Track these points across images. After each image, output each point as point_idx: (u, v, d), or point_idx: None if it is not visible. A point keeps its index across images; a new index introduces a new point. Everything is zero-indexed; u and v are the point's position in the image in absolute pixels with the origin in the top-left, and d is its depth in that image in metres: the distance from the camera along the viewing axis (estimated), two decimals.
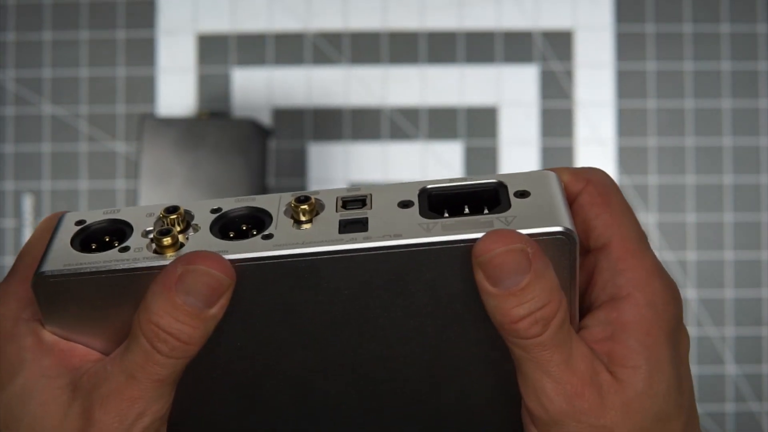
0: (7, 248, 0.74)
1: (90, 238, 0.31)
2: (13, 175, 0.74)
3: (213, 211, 0.31)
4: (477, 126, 0.74)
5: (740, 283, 0.73)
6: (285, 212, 0.31)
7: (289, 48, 0.75)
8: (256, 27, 0.75)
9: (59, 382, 0.31)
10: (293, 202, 0.30)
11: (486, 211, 0.30)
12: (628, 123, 0.74)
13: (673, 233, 0.74)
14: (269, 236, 0.30)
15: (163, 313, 0.29)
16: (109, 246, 0.31)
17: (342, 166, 0.74)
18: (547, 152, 0.74)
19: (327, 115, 0.74)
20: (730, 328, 0.73)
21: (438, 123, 0.74)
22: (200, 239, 0.30)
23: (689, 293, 0.73)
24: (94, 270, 0.30)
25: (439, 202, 0.31)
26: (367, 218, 0.30)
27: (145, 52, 0.75)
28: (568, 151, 0.74)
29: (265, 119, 0.74)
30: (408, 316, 0.31)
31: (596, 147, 0.74)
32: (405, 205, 0.30)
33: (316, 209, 0.30)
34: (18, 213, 0.74)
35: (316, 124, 0.74)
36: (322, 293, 0.30)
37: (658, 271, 0.32)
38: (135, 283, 0.30)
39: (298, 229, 0.30)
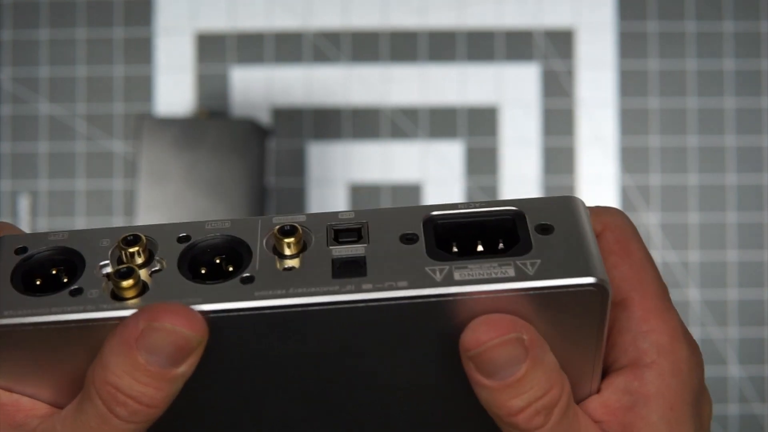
0: None
1: (34, 273, 0.26)
2: (10, 174, 0.74)
3: (180, 239, 0.26)
4: (477, 125, 0.74)
5: (743, 284, 0.73)
6: (266, 244, 0.26)
7: (288, 47, 0.74)
8: (255, 25, 0.75)
9: None
10: (276, 233, 0.26)
11: (502, 245, 0.26)
12: (630, 122, 0.74)
13: (676, 233, 0.73)
14: (249, 279, 0.25)
15: (122, 373, 0.24)
16: (57, 284, 0.26)
17: (342, 165, 0.74)
18: (548, 152, 0.74)
19: (327, 114, 0.74)
20: (734, 328, 0.73)
21: (438, 122, 0.74)
22: (167, 280, 0.25)
23: (692, 294, 0.73)
24: (40, 321, 0.25)
25: (446, 234, 0.26)
26: (364, 258, 0.25)
27: (143, 50, 0.75)
28: (570, 151, 0.74)
29: (265, 118, 0.74)
30: (406, 367, 0.27)
31: (598, 146, 0.74)
32: (408, 239, 0.26)
33: (303, 241, 0.26)
34: (14, 213, 0.74)
35: (316, 124, 0.74)
36: (309, 344, 0.26)
37: (683, 333, 0.29)
38: (90, 333, 0.25)
39: (282, 269, 0.25)
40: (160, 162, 0.69)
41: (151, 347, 0.24)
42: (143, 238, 0.26)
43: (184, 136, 0.69)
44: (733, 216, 0.73)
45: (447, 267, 0.25)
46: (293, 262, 0.25)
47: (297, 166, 0.74)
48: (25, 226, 0.73)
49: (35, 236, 0.27)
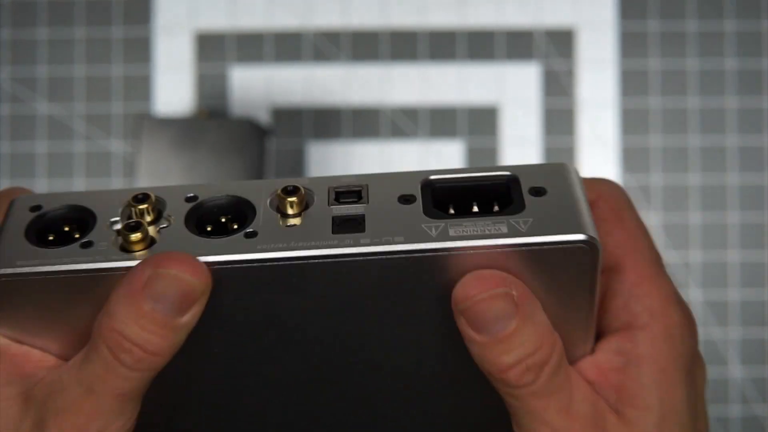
0: None
1: (47, 228, 0.28)
2: (8, 174, 0.74)
3: (188, 199, 0.28)
4: (478, 125, 0.74)
5: (745, 284, 0.73)
6: (270, 204, 0.27)
7: (288, 46, 0.74)
8: (255, 25, 0.75)
9: (10, 391, 0.27)
10: (280, 192, 0.27)
11: (496, 208, 0.27)
12: (631, 122, 0.74)
13: (677, 233, 0.73)
14: (253, 234, 0.26)
15: (128, 321, 0.25)
16: (69, 239, 0.27)
17: (342, 165, 0.74)
18: (548, 151, 0.74)
19: (326, 113, 0.74)
20: (735, 329, 0.72)
21: (438, 122, 0.74)
22: (174, 235, 0.27)
23: (693, 294, 0.72)
24: (52, 270, 0.26)
25: (444, 196, 0.28)
26: (363, 216, 0.27)
27: (142, 50, 0.74)
28: (570, 151, 0.74)
29: (264, 118, 0.74)
30: (404, 324, 0.28)
31: (598, 146, 0.74)
32: (406, 200, 0.27)
33: (305, 201, 0.27)
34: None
35: (316, 123, 0.74)
36: (310, 299, 0.27)
37: (676, 299, 0.30)
38: (99, 284, 0.26)
39: (285, 227, 0.27)
40: (159, 161, 0.69)
41: (157, 294, 0.25)
42: (152, 196, 0.27)
43: (184, 136, 0.69)
44: (734, 216, 0.73)
45: (442, 224, 0.26)
46: (295, 221, 0.27)
47: (297, 166, 0.74)
48: None
49: (50, 196, 0.28)
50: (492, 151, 0.74)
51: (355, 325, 0.28)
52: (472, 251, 0.26)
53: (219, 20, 0.75)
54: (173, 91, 0.74)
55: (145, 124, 0.69)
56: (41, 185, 0.74)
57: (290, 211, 0.27)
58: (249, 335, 0.28)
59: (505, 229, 0.26)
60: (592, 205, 0.29)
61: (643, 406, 0.28)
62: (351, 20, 0.75)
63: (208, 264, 0.26)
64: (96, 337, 0.26)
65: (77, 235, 0.27)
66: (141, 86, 0.74)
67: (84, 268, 0.26)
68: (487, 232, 0.26)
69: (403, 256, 0.26)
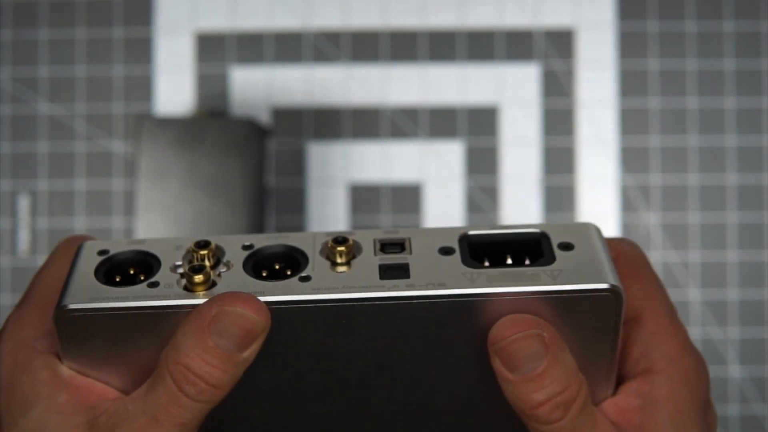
0: (3, 249, 0.74)
1: (114, 270, 0.30)
2: (9, 174, 0.74)
3: (245, 247, 0.30)
4: (477, 125, 0.74)
5: (744, 284, 0.73)
6: (321, 252, 0.30)
7: (288, 47, 0.74)
8: (255, 25, 0.75)
9: (75, 419, 0.29)
10: (330, 242, 0.29)
11: (528, 262, 0.30)
12: (630, 122, 0.74)
13: (676, 233, 0.73)
14: (307, 278, 0.29)
15: (194, 355, 0.27)
16: (135, 280, 0.29)
17: (342, 165, 0.74)
18: (548, 152, 0.74)
19: (326, 114, 0.74)
20: (734, 329, 0.73)
21: (438, 122, 0.74)
22: (234, 278, 0.29)
23: (692, 294, 0.73)
24: (122, 306, 0.28)
25: (480, 249, 0.30)
26: (408, 264, 0.29)
27: (142, 50, 0.74)
28: (570, 151, 0.74)
29: (264, 118, 0.74)
30: (444, 367, 0.30)
31: (598, 146, 0.74)
32: (446, 251, 0.30)
33: (353, 251, 0.29)
34: (13, 213, 0.74)
35: (316, 123, 0.74)
36: (357, 338, 0.29)
37: (690, 346, 0.32)
38: (163, 321, 0.28)
39: (336, 272, 0.29)
40: (160, 162, 0.69)
41: (221, 330, 0.27)
42: (213, 243, 0.29)
43: (184, 136, 0.69)
44: (733, 216, 0.73)
45: (480, 273, 0.29)
46: (345, 268, 0.29)
47: (297, 166, 0.74)
48: (24, 226, 0.73)
49: (115, 242, 0.31)
50: (492, 151, 0.74)
51: (396, 364, 0.30)
52: (507, 297, 0.28)
53: (219, 21, 0.75)
54: (174, 91, 0.74)
55: (146, 124, 0.69)
56: (42, 185, 0.74)
57: (340, 260, 0.29)
58: (299, 372, 0.30)
59: (537, 278, 0.29)
60: (613, 261, 0.31)
61: None
62: (351, 20, 0.75)
63: (268, 303, 0.28)
64: (162, 369, 0.28)
65: (143, 277, 0.29)
66: (142, 86, 0.74)
67: (152, 305, 0.28)
68: (520, 280, 0.29)
69: (445, 300, 0.28)
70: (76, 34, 0.75)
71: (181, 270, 0.29)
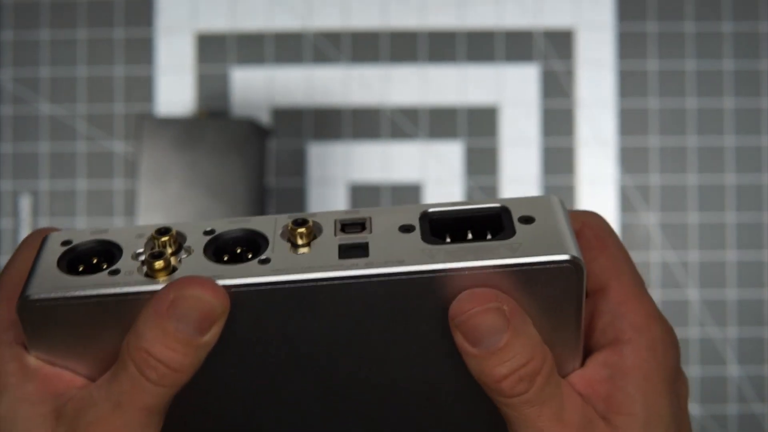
0: (4, 248, 0.74)
1: (77, 260, 0.30)
2: (11, 174, 0.74)
3: (206, 232, 0.30)
4: (477, 125, 0.74)
5: (743, 284, 0.73)
6: (281, 235, 0.30)
7: (288, 47, 0.75)
8: (256, 26, 0.75)
9: (43, 408, 0.30)
10: (290, 224, 0.29)
11: (489, 236, 0.30)
12: (629, 122, 0.74)
13: (675, 233, 0.73)
14: (266, 260, 0.29)
15: (154, 340, 0.28)
16: (97, 268, 0.29)
17: (342, 165, 0.74)
18: (547, 152, 0.74)
19: (327, 114, 0.74)
20: (733, 328, 0.73)
21: (438, 122, 0.74)
22: (193, 263, 0.29)
23: (691, 294, 0.73)
24: (82, 294, 0.28)
25: (440, 226, 0.30)
26: (367, 243, 0.29)
27: (143, 51, 0.75)
28: (569, 151, 0.74)
29: (265, 119, 0.74)
30: (408, 343, 0.30)
31: (597, 146, 0.74)
32: (406, 229, 0.30)
33: (313, 232, 0.29)
34: (15, 213, 0.74)
35: (316, 124, 0.74)
36: (320, 319, 0.29)
37: (658, 315, 0.32)
38: (125, 308, 0.28)
39: (295, 254, 0.29)
40: (161, 162, 0.69)
41: (180, 315, 0.28)
42: (173, 229, 0.30)
43: (185, 136, 0.69)
44: (732, 216, 0.73)
45: (439, 249, 0.29)
46: (305, 249, 0.29)
47: (297, 166, 0.74)
48: (26, 225, 0.74)
49: (79, 232, 0.31)
50: (492, 151, 0.74)
51: (361, 343, 0.30)
52: (466, 272, 0.28)
53: (220, 21, 0.75)
54: (174, 91, 0.75)
55: (147, 124, 0.69)
56: (43, 185, 0.74)
57: (300, 241, 0.29)
58: (262, 354, 0.30)
59: (497, 252, 0.28)
60: (577, 234, 0.31)
61: (629, 413, 0.30)
62: (351, 21, 0.75)
63: (227, 287, 0.28)
64: (124, 355, 0.28)
65: (105, 266, 0.30)
66: (142, 87, 0.74)
67: (112, 292, 0.28)
68: (480, 254, 0.28)
69: (404, 277, 0.28)
70: (77, 34, 0.75)
71: (142, 257, 0.29)
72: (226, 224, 0.30)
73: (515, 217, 0.30)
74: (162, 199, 0.69)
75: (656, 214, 0.73)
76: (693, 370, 0.72)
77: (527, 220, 0.30)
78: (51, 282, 0.29)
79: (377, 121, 0.74)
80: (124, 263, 0.29)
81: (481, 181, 0.74)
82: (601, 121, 0.74)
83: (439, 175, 0.74)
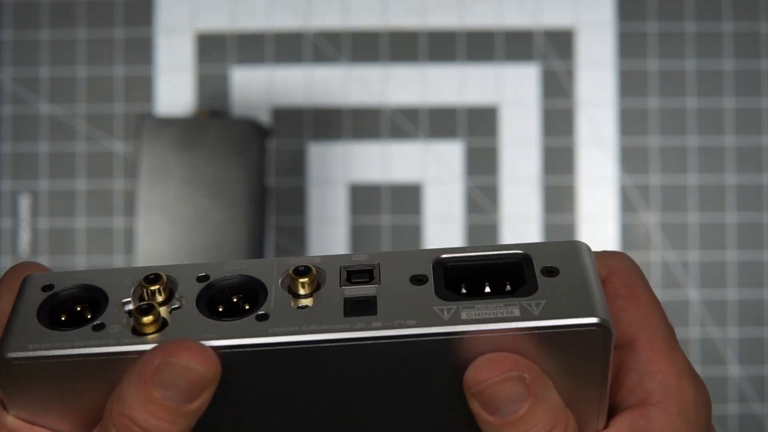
0: (3, 248, 0.74)
1: (59, 309, 0.28)
2: (11, 174, 0.74)
3: (199, 278, 0.28)
4: (477, 125, 0.74)
5: (743, 284, 0.73)
6: (281, 284, 0.27)
7: (288, 47, 0.75)
8: (256, 26, 0.75)
9: None
10: (291, 273, 0.27)
11: (509, 287, 0.27)
12: (629, 122, 0.74)
13: (676, 233, 0.73)
14: (264, 317, 0.26)
15: (138, 407, 0.26)
16: (81, 320, 0.27)
17: (342, 165, 0.74)
18: (547, 152, 0.74)
19: (327, 114, 0.74)
20: (733, 328, 0.73)
21: (438, 122, 0.74)
22: (185, 316, 0.27)
23: (691, 294, 0.73)
24: (64, 354, 0.26)
25: (455, 276, 0.28)
26: (375, 298, 0.27)
27: (143, 51, 0.75)
28: (569, 151, 0.74)
29: (265, 118, 0.74)
30: (417, 406, 0.28)
31: (597, 146, 0.74)
32: (418, 280, 0.27)
33: (317, 281, 0.27)
34: (15, 213, 0.74)
35: (316, 124, 0.74)
36: (321, 380, 0.27)
37: (690, 373, 0.30)
38: (110, 366, 0.26)
39: (297, 308, 0.27)
40: (161, 162, 0.69)
41: (166, 383, 0.26)
42: (164, 276, 0.27)
43: (185, 136, 0.69)
44: (732, 216, 0.73)
45: (454, 306, 0.26)
46: (307, 301, 0.27)
47: (297, 166, 0.74)
48: (25, 225, 0.74)
49: (61, 274, 0.28)
50: (492, 151, 0.74)
51: (365, 404, 0.28)
52: (484, 335, 0.26)
53: (220, 21, 0.75)
54: (174, 91, 0.75)
55: (146, 124, 0.69)
56: (43, 185, 0.74)
57: (302, 291, 0.27)
58: (258, 412, 0.28)
59: (517, 312, 0.26)
60: (604, 280, 0.29)
61: None
62: (351, 21, 0.75)
63: (219, 348, 0.26)
64: (107, 421, 0.27)
65: (89, 315, 0.28)
66: (142, 87, 0.74)
67: (96, 351, 0.26)
68: (499, 315, 0.26)
69: (415, 339, 0.26)
70: (76, 34, 0.75)
71: (129, 307, 0.27)
72: (221, 269, 0.28)
73: (538, 267, 0.27)
74: (162, 199, 0.69)
75: (656, 214, 0.73)
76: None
77: (551, 271, 0.27)
78: (31, 337, 0.27)
79: (377, 121, 0.74)
80: (110, 315, 0.27)
81: (481, 181, 0.74)
82: (601, 121, 0.74)
83: (439, 175, 0.74)
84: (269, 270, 0.28)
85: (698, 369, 0.74)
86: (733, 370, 0.72)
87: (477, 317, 0.26)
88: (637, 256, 0.72)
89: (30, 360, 0.26)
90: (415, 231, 0.73)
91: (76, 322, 0.27)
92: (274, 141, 0.74)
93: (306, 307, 0.27)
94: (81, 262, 0.73)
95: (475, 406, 0.27)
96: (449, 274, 0.28)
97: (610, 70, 0.74)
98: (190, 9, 0.75)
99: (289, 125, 0.74)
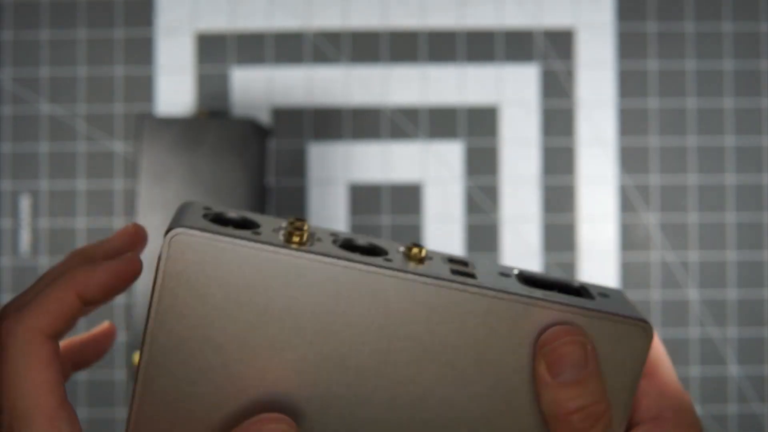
0: (3, 248, 0.74)
1: (221, 220, 0.32)
2: (11, 174, 0.74)
3: (332, 234, 0.33)
4: (477, 125, 0.74)
5: (743, 284, 0.73)
6: (399, 251, 0.33)
7: (288, 47, 0.75)
8: (256, 26, 0.75)
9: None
10: (408, 246, 0.33)
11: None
12: (629, 122, 0.74)
13: (675, 233, 0.73)
14: (388, 260, 0.32)
15: None
16: (242, 227, 0.32)
17: (342, 165, 0.74)
18: (547, 152, 0.74)
19: (327, 114, 0.74)
20: (733, 328, 0.73)
21: (438, 122, 0.74)
22: (325, 247, 0.32)
23: (691, 294, 0.73)
24: (229, 242, 0.30)
25: (532, 281, 0.34)
26: (474, 273, 0.33)
27: (143, 51, 0.75)
28: (569, 151, 0.74)
29: (265, 119, 0.74)
30: (481, 362, 0.33)
31: (597, 146, 0.74)
32: (504, 274, 0.33)
33: (427, 255, 0.33)
34: (15, 213, 0.74)
35: (316, 124, 0.74)
36: (423, 324, 0.32)
37: (695, 410, 0.36)
38: (265, 268, 0.31)
39: (414, 264, 0.32)
40: (161, 162, 0.69)
41: None
42: (307, 222, 0.33)
43: (185, 136, 0.69)
44: (732, 216, 0.73)
45: (534, 290, 0.33)
46: (420, 265, 0.33)
47: (297, 166, 0.74)
48: (26, 226, 0.74)
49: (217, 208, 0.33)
50: (492, 151, 0.74)
51: (444, 353, 0.33)
52: (558, 308, 0.32)
53: (220, 21, 0.75)
54: (174, 91, 0.75)
55: (147, 124, 0.69)
56: (43, 185, 0.74)
57: (417, 257, 0.33)
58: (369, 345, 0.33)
59: (581, 301, 0.33)
60: None
61: None
62: (351, 21, 0.75)
63: (358, 270, 0.31)
64: None
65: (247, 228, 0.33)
66: (142, 87, 0.74)
67: (256, 246, 0.30)
68: (566, 299, 0.33)
69: (506, 297, 0.32)
70: (77, 34, 0.75)
71: (282, 230, 0.32)
72: (349, 235, 0.33)
73: (594, 291, 0.34)
74: (162, 199, 0.69)
75: (656, 214, 0.73)
76: (693, 370, 0.72)
77: (604, 295, 0.34)
78: (200, 225, 0.31)
79: (377, 121, 0.74)
80: (265, 231, 0.32)
81: (481, 181, 0.74)
82: (601, 121, 0.74)
83: (439, 175, 0.74)
84: (389, 244, 0.34)
85: (698, 369, 0.74)
86: (733, 369, 0.72)
87: (550, 297, 0.32)
88: (637, 256, 0.72)
89: (199, 239, 0.30)
90: (415, 231, 0.73)
91: (237, 227, 0.32)
92: (274, 141, 0.74)
93: (419, 266, 0.32)
94: None
95: (541, 368, 0.32)
96: (527, 277, 0.34)
97: (609, 70, 0.74)
98: (190, 9, 0.75)
99: (289, 125, 0.74)
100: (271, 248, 0.31)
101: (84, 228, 0.74)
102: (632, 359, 0.32)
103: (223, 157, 0.69)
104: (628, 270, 0.72)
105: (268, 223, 0.33)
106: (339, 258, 0.31)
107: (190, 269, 0.30)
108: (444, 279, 0.32)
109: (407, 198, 0.74)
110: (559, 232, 0.73)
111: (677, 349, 0.72)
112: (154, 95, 0.74)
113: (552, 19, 0.75)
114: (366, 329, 0.32)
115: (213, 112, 0.74)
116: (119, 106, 0.74)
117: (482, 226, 0.73)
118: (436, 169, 0.74)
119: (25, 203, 0.74)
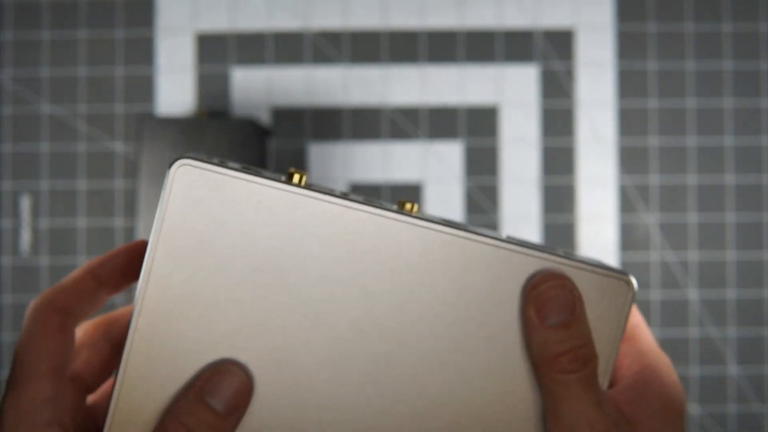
0: (4, 248, 0.74)
1: (222, 165, 0.33)
2: (11, 175, 0.74)
3: (329, 188, 0.34)
4: (477, 125, 0.74)
5: (742, 284, 0.73)
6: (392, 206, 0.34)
7: (288, 47, 0.75)
8: (256, 26, 0.75)
9: None
10: (398, 204, 0.34)
11: None
12: (629, 122, 0.74)
13: (675, 233, 0.73)
14: (381, 206, 0.33)
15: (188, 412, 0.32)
16: (243, 170, 0.32)
17: (342, 165, 0.74)
18: (547, 152, 0.74)
19: (327, 114, 0.74)
20: (732, 328, 0.73)
21: (438, 122, 0.74)
22: (321, 188, 0.33)
23: (691, 294, 0.73)
24: (232, 175, 0.31)
25: (520, 243, 0.35)
26: (466, 226, 0.34)
27: (143, 51, 0.75)
28: (569, 151, 0.74)
29: (265, 119, 0.74)
30: (472, 306, 0.34)
31: (597, 146, 0.74)
32: (495, 236, 0.34)
33: (420, 212, 0.34)
34: (16, 213, 0.74)
35: (316, 124, 0.74)
36: (408, 260, 0.33)
37: (674, 372, 0.37)
38: (260, 200, 0.31)
39: (409, 212, 0.33)
40: (161, 161, 0.69)
41: (213, 392, 0.32)
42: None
43: (185, 136, 0.69)
44: (731, 216, 0.73)
45: (525, 243, 0.34)
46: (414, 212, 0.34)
47: (297, 166, 0.74)
48: (26, 225, 0.74)
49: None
50: (492, 151, 0.74)
51: (426, 296, 0.34)
52: (546, 257, 0.33)
53: (220, 22, 0.75)
54: (175, 91, 0.75)
55: (147, 124, 0.69)
56: (44, 185, 0.74)
57: (408, 208, 0.34)
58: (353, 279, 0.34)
59: (568, 254, 0.33)
60: None
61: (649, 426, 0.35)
62: (351, 21, 0.75)
63: (350, 208, 0.32)
64: (164, 422, 0.32)
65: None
66: (143, 87, 0.74)
67: (259, 181, 0.31)
68: (553, 251, 0.34)
69: (496, 244, 0.33)
70: (77, 35, 0.75)
71: (283, 177, 0.33)
72: (345, 191, 0.35)
73: (577, 256, 0.34)
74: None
75: (656, 214, 0.74)
76: (693, 370, 0.72)
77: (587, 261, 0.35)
78: (206, 160, 0.31)
79: (377, 121, 0.74)
80: (266, 176, 0.32)
81: (481, 181, 0.74)
82: (600, 121, 0.74)
83: (439, 175, 0.74)
84: (385, 203, 0.35)
85: (697, 369, 0.74)
86: (733, 369, 0.72)
87: (537, 248, 0.33)
88: (636, 256, 0.72)
89: (206, 166, 0.31)
90: None
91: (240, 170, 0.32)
92: (274, 141, 0.74)
93: (413, 213, 0.33)
94: (82, 261, 0.73)
95: (530, 312, 0.32)
96: (516, 239, 0.35)
97: (609, 70, 0.74)
98: (190, 9, 0.75)
99: (289, 125, 0.74)
100: (275, 184, 0.32)
101: (84, 228, 0.74)
102: (616, 312, 0.33)
103: (223, 157, 0.69)
104: (627, 270, 0.72)
105: (268, 173, 0.34)
106: (339, 197, 0.32)
107: (195, 201, 0.31)
108: (439, 223, 0.33)
109: (407, 198, 0.74)
110: (559, 232, 0.73)
111: (677, 349, 0.72)
112: (154, 95, 0.74)
113: (552, 19, 0.75)
114: (364, 270, 0.33)
115: (213, 112, 0.74)
116: (119, 106, 0.74)
117: (482, 226, 0.73)
118: (436, 169, 0.74)
119: (25, 203, 0.74)
